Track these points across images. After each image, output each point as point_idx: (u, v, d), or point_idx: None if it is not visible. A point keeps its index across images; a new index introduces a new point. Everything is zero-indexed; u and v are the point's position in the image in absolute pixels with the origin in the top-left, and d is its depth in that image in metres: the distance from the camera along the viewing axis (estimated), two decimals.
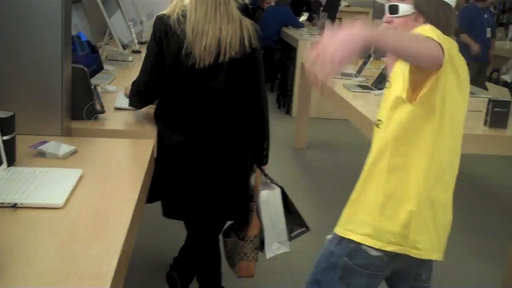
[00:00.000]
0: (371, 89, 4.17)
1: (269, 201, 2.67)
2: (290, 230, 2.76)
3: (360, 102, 3.80)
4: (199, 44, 2.31)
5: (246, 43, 2.37)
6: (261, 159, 2.63)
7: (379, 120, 1.86)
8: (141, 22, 5.25)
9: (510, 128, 3.21)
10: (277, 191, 2.72)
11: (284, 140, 6.20)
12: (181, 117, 2.45)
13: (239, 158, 2.53)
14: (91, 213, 1.64)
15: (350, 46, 1.33)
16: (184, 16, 2.33)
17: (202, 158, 2.45)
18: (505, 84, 7.31)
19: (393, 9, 1.82)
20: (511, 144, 3.22)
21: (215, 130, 2.45)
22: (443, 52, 1.54)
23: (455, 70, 1.68)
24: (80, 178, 1.86)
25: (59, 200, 1.66)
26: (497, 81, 8.01)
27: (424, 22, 1.76)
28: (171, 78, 2.40)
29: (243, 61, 2.39)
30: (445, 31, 1.71)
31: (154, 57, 2.39)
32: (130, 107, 2.66)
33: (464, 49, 6.64)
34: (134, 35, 4.59)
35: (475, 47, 6.66)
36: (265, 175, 2.72)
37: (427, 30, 1.63)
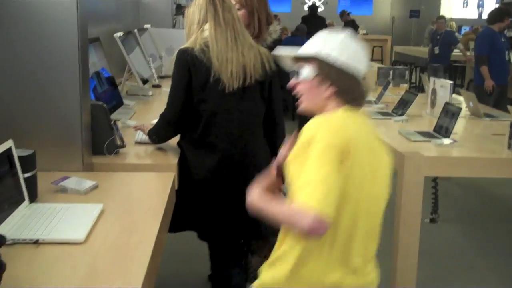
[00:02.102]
0: (392, 116, 4.15)
1: None
2: None
3: (380, 129, 3.78)
4: (226, 71, 2.45)
5: (267, 67, 2.55)
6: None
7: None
8: (161, 57, 5.31)
9: None
10: None
11: None
12: (214, 141, 2.52)
13: None
14: (111, 248, 1.64)
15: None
16: (207, 46, 2.45)
17: (238, 179, 2.51)
18: None
19: (297, 74, 1.77)
20: None
21: (247, 150, 2.56)
22: (322, 218, 1.50)
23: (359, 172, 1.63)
24: (101, 213, 1.87)
25: (80, 236, 1.67)
26: None
27: (330, 86, 1.71)
28: (200, 105, 2.49)
29: (265, 83, 2.57)
30: (351, 98, 1.72)
31: (183, 87, 2.48)
32: (148, 141, 2.68)
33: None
34: (153, 70, 4.65)
35: (489, 84, 6.60)
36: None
37: (322, 150, 1.57)
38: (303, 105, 1.78)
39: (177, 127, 2.59)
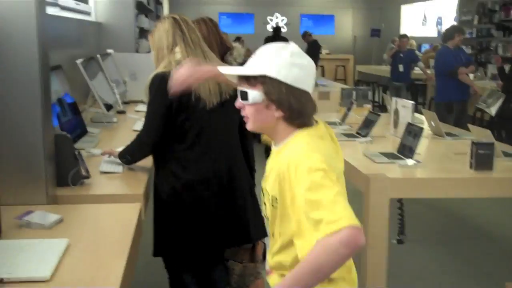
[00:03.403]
0: (356, 137, 4.19)
1: None
2: None
3: (346, 151, 3.79)
4: (204, 89, 2.53)
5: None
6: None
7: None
8: (125, 82, 5.29)
9: (496, 169, 3.22)
10: None
11: None
12: (199, 155, 2.60)
13: (250, 185, 2.86)
14: (78, 284, 1.61)
15: None
16: None
17: (227, 190, 2.64)
18: (490, 121, 7.43)
19: (243, 96, 1.69)
20: (499, 185, 3.24)
21: (232, 160, 2.70)
22: (355, 228, 1.46)
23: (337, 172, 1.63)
24: (67, 248, 1.84)
25: (45, 273, 1.64)
26: (481, 120, 8.10)
27: (277, 109, 1.66)
28: (185, 123, 2.56)
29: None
30: (300, 117, 1.68)
31: (163, 111, 2.53)
32: (114, 171, 2.70)
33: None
34: (117, 96, 4.62)
35: (475, 88, 6.99)
36: None
37: (319, 176, 1.54)
38: (251, 125, 1.74)
39: (152, 149, 2.65)
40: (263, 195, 1.80)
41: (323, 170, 1.54)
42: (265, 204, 1.80)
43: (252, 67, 1.69)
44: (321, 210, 1.50)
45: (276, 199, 1.68)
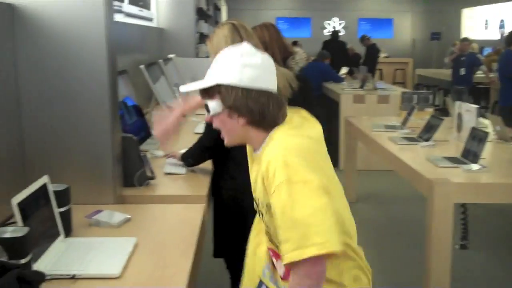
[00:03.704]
0: (418, 141, 4.13)
1: None
2: None
3: (407, 155, 3.77)
4: None
5: (293, 86, 2.62)
6: None
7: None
8: None
9: None
10: None
11: None
12: None
13: None
14: (147, 282, 1.66)
15: None
16: None
17: None
18: None
19: (206, 108, 1.66)
20: None
21: None
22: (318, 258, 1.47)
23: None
24: (135, 247, 1.89)
25: (116, 270, 1.69)
26: None
27: (239, 116, 1.61)
28: None
29: (295, 98, 2.56)
30: (264, 119, 1.62)
31: None
32: (178, 172, 2.76)
33: None
34: (179, 99, 4.69)
35: None
36: None
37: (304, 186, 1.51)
38: (226, 140, 1.73)
39: (212, 153, 2.72)
40: (257, 205, 1.74)
41: (302, 182, 1.50)
42: (261, 214, 1.74)
43: (206, 79, 1.65)
44: (292, 229, 1.48)
45: (270, 205, 1.60)
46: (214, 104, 1.63)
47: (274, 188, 1.53)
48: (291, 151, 1.56)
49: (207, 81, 1.63)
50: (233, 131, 1.67)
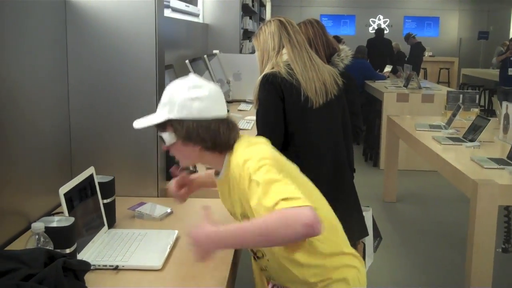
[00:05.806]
0: (463, 141, 4.07)
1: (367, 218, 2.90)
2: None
3: (451, 155, 3.71)
4: (311, 89, 2.53)
5: (338, 82, 2.63)
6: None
7: None
8: (228, 82, 5.40)
9: None
10: (370, 211, 2.97)
11: (373, 193, 6.09)
12: (306, 155, 2.57)
13: (352, 182, 2.80)
14: (187, 275, 1.68)
15: (206, 255, 1.58)
16: (290, 69, 2.51)
17: (333, 188, 2.57)
18: None
19: (162, 139, 1.73)
20: None
21: (338, 159, 2.66)
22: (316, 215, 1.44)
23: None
24: (176, 240, 1.91)
25: (157, 262, 1.71)
26: None
27: (194, 144, 1.68)
28: (291, 123, 2.55)
29: (342, 97, 2.68)
30: (217, 145, 1.68)
31: (275, 109, 2.54)
32: None
33: None
34: None
35: None
36: None
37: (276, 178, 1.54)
38: (184, 163, 1.83)
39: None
40: (240, 220, 1.78)
41: (269, 159, 1.58)
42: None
43: (157, 113, 1.72)
44: (276, 188, 1.50)
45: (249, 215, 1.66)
46: (167, 136, 1.71)
47: (245, 177, 1.58)
48: (252, 149, 1.66)
49: (159, 116, 1.70)
50: (190, 157, 1.76)
